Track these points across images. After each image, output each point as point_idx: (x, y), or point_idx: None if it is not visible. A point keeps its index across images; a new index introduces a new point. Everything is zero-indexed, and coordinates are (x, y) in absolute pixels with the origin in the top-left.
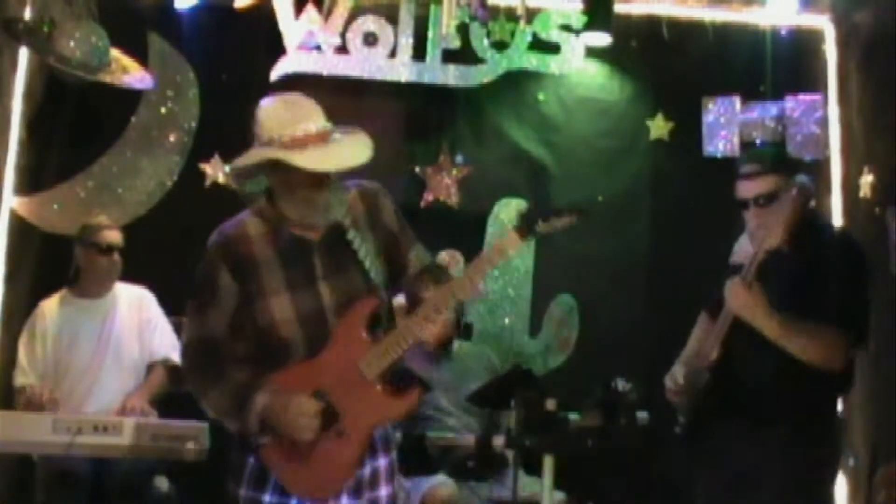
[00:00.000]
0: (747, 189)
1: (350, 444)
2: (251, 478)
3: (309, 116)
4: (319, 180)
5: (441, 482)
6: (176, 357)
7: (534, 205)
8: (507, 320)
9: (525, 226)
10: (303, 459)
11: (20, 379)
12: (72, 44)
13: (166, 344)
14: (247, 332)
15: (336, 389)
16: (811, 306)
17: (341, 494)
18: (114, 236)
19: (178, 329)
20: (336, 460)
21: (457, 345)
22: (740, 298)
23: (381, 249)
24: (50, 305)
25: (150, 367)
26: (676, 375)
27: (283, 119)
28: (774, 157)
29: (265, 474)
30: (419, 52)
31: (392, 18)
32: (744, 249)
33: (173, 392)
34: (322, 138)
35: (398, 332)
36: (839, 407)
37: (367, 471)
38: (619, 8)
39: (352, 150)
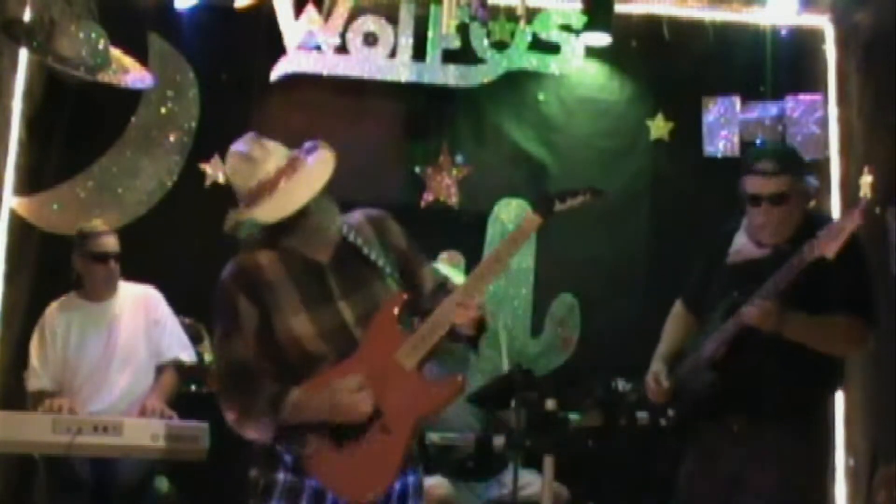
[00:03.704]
0: (762, 186)
1: (395, 439)
2: (283, 493)
3: (262, 164)
4: (301, 213)
5: (437, 482)
6: (185, 356)
7: (549, 189)
8: (508, 320)
9: (544, 207)
10: (348, 461)
11: (34, 382)
12: (72, 44)
13: (175, 344)
14: (271, 351)
15: (374, 385)
16: (822, 296)
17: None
18: (108, 243)
19: (185, 329)
20: (382, 458)
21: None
22: (770, 320)
23: (395, 270)
24: (58, 308)
25: (160, 368)
26: (660, 376)
27: (243, 174)
28: (789, 156)
29: (298, 491)
30: (419, 52)
31: (392, 18)
32: (743, 247)
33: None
34: (281, 176)
35: (434, 320)
36: (836, 406)
37: (397, 486)
38: (619, 8)
39: (302, 186)
